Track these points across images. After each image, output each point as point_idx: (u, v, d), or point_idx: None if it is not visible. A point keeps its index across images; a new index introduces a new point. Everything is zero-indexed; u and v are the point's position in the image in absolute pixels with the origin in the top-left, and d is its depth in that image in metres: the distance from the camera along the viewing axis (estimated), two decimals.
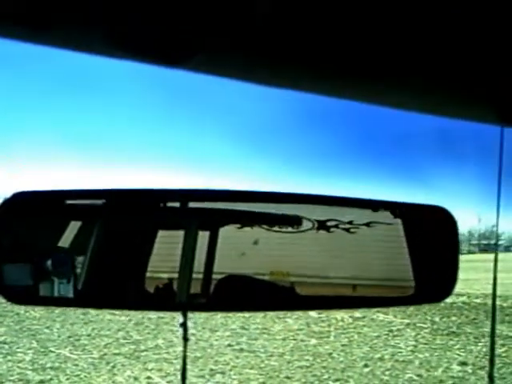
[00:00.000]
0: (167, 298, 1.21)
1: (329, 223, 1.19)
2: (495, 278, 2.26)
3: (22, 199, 1.17)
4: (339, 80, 0.80)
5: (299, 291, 1.20)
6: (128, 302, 1.22)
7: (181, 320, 1.29)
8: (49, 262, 1.17)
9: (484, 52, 0.74)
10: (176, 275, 1.18)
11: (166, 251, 1.26)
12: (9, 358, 7.04)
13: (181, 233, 1.20)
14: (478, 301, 12.82)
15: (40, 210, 1.24)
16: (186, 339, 1.58)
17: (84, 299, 1.23)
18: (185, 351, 1.62)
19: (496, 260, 2.46)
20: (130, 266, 1.23)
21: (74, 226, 1.25)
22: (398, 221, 1.23)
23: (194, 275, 1.19)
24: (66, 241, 1.24)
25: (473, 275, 15.63)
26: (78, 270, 1.20)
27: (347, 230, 1.20)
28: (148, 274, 1.23)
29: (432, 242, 1.22)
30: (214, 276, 1.20)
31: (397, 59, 0.76)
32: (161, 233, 1.27)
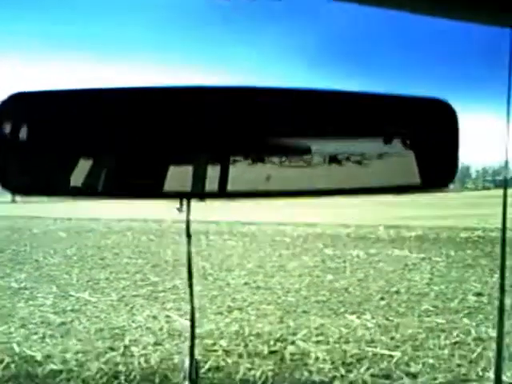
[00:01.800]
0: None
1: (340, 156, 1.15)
2: (505, 205, 2.21)
3: (20, 101, 1.07)
4: None
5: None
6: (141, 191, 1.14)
7: (177, 205, 1.24)
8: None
9: None
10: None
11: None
12: (30, 302, 7.18)
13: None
14: (494, 234, 12.84)
15: (43, 112, 1.12)
16: (189, 236, 1.55)
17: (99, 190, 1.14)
18: (189, 248, 1.57)
19: (506, 187, 2.40)
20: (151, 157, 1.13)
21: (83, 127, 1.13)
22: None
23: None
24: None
25: (488, 210, 15.60)
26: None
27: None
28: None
29: (433, 133, 1.20)
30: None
31: None
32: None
